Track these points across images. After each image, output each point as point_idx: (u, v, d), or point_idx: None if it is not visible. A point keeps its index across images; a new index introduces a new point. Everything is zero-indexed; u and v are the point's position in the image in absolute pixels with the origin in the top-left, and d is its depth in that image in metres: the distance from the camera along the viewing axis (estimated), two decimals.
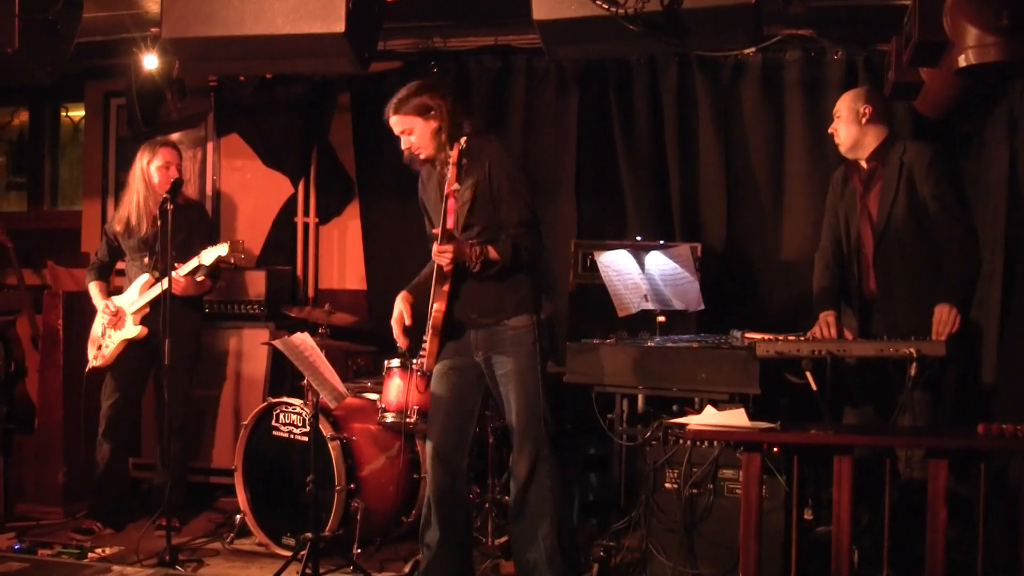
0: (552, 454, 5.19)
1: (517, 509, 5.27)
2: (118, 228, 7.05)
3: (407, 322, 5.36)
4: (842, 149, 5.90)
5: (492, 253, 5.10)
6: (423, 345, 5.34)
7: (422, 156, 5.25)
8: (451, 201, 5.10)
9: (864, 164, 5.85)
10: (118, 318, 6.92)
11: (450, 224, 5.07)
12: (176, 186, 6.45)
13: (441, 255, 5.06)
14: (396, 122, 5.26)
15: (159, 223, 6.84)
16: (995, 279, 5.83)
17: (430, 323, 5.21)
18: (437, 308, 5.19)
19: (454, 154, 5.00)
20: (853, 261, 5.88)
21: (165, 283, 6.38)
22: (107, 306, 6.95)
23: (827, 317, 5.73)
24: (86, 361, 7.07)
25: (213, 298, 7.93)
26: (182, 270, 6.62)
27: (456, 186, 5.01)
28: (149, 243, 6.94)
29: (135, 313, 6.89)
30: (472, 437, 5.44)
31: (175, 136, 8.74)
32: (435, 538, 5.31)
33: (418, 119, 5.20)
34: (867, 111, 5.77)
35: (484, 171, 5.12)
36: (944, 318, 5.32)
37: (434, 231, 5.16)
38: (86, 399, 7.17)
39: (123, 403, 6.98)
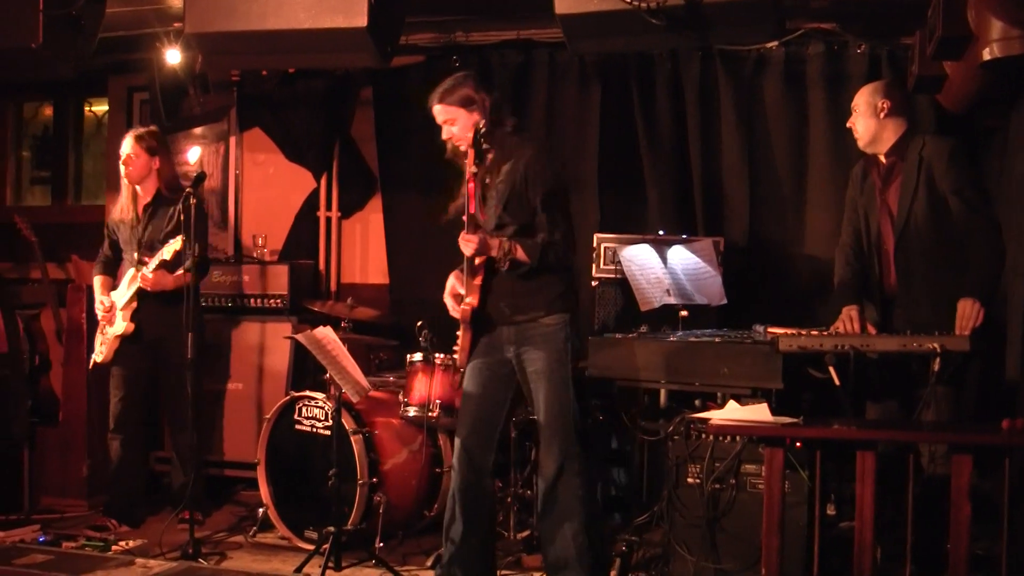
0: (580, 451, 5.19)
1: (546, 507, 5.25)
2: (111, 219, 7.10)
3: (460, 291, 5.35)
4: (860, 144, 5.82)
5: (520, 253, 5.09)
6: (456, 340, 5.35)
7: (462, 147, 5.23)
8: (471, 185, 5.10)
9: (883, 159, 5.79)
10: (111, 314, 6.92)
11: (471, 208, 5.09)
12: (198, 180, 6.46)
13: (465, 243, 5.10)
14: (439, 111, 5.25)
15: (136, 215, 6.88)
16: (1020, 274, 5.79)
17: (461, 317, 5.23)
18: (469, 302, 5.21)
19: (470, 136, 5.02)
20: (873, 256, 5.84)
21: (140, 281, 6.45)
22: (101, 302, 6.96)
23: (850, 311, 5.69)
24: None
25: (236, 291, 7.96)
26: (150, 266, 6.62)
27: (473, 169, 5.02)
28: (136, 236, 6.93)
29: (124, 309, 6.87)
30: (500, 434, 5.43)
31: (198, 131, 8.79)
32: (459, 532, 5.30)
33: (461, 110, 5.19)
34: (885, 105, 5.70)
35: (520, 171, 5.11)
36: (967, 312, 5.28)
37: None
38: (105, 392, 7.20)
39: (129, 399, 6.99)
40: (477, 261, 5.18)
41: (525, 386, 5.28)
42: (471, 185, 5.09)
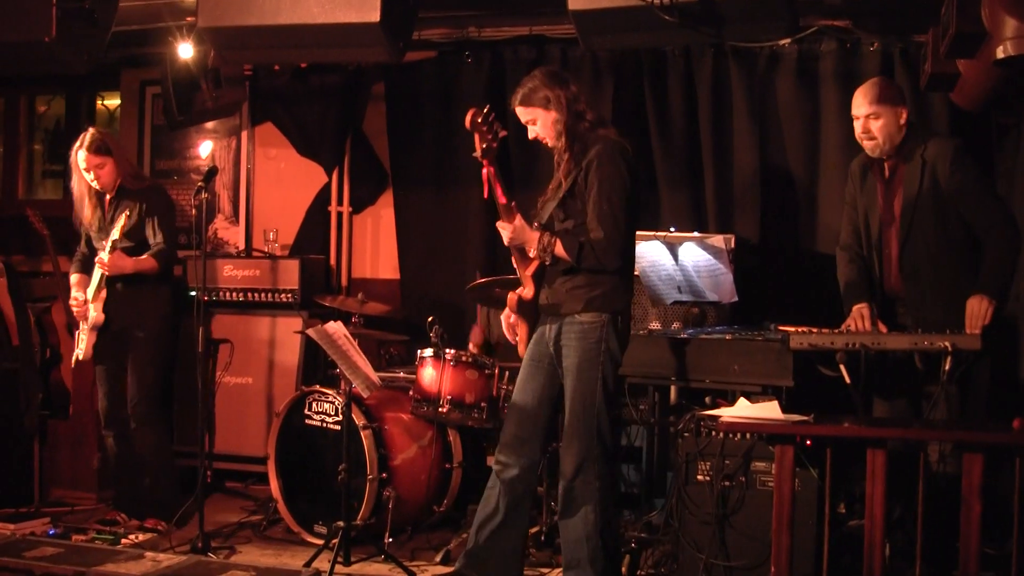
0: (602, 455, 5.15)
1: (564, 505, 5.23)
2: (76, 219, 7.07)
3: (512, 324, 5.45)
4: (875, 151, 5.67)
5: (559, 248, 5.07)
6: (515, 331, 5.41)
7: (549, 144, 5.27)
8: (484, 171, 5.08)
9: (886, 162, 5.75)
10: (84, 308, 6.87)
11: (499, 197, 5.11)
12: (210, 174, 6.45)
13: (502, 228, 5.16)
14: (520, 113, 5.28)
15: (103, 209, 6.86)
16: None
17: (509, 305, 5.31)
18: (523, 292, 5.27)
19: (467, 120, 5.02)
20: (874, 257, 5.81)
21: (97, 263, 6.52)
22: (75, 298, 6.91)
23: (861, 309, 5.65)
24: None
25: (247, 286, 7.97)
26: (106, 249, 6.59)
27: (480, 151, 5.04)
28: (104, 229, 6.88)
29: (94, 300, 6.81)
30: (546, 429, 5.41)
31: (210, 125, 8.79)
32: (497, 523, 5.28)
33: (539, 110, 5.20)
34: (904, 114, 5.64)
35: (584, 167, 5.09)
36: (977, 311, 5.26)
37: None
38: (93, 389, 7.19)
39: (113, 393, 6.91)
40: (531, 253, 5.19)
41: (561, 379, 5.26)
42: (485, 169, 5.09)
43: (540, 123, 5.21)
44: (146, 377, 6.62)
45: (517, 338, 5.41)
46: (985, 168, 6.43)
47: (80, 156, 6.76)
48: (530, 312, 5.29)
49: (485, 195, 5.13)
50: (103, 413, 6.94)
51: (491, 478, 5.35)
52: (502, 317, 5.51)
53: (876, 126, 5.58)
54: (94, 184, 6.81)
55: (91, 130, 6.85)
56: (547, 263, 5.12)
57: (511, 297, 5.25)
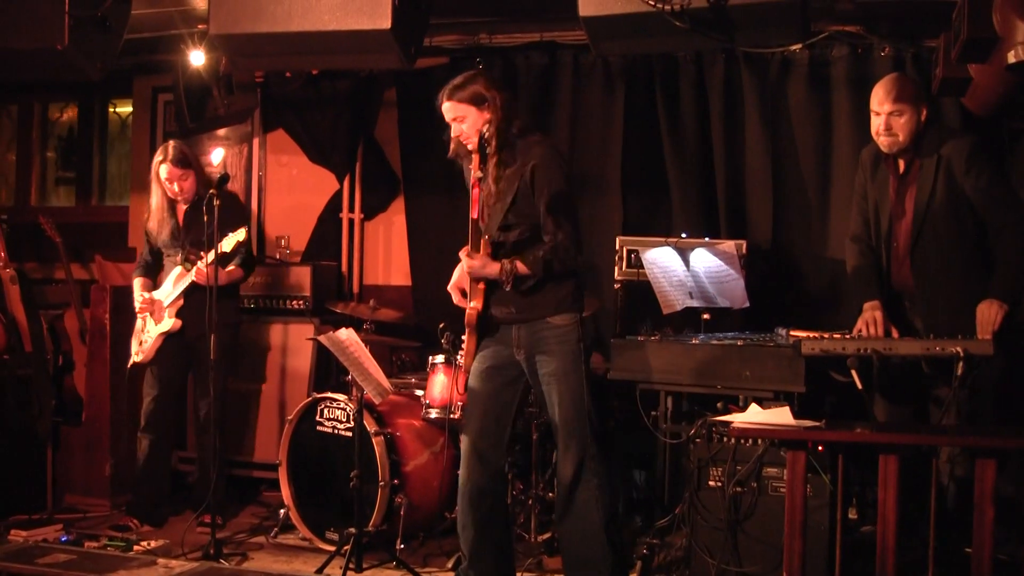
0: (598, 452, 5.16)
1: (564, 509, 5.23)
2: (149, 227, 7.12)
3: (465, 287, 5.33)
4: (892, 148, 5.65)
5: (521, 268, 5.03)
6: (462, 343, 5.35)
7: (470, 146, 5.18)
8: (475, 191, 5.06)
9: (902, 157, 5.73)
10: (153, 308, 6.96)
11: (474, 214, 5.02)
12: (222, 181, 6.48)
13: (468, 262, 5.08)
14: (449, 108, 5.21)
15: (176, 219, 6.93)
16: None
17: (466, 321, 5.22)
18: (473, 306, 5.19)
19: (474, 142, 5.01)
20: (882, 250, 5.80)
21: (195, 274, 6.52)
22: (141, 295, 7.00)
23: (873, 312, 5.62)
24: (129, 356, 7.12)
25: (259, 293, 7.98)
26: (207, 258, 6.65)
27: (479, 174, 4.98)
28: (178, 238, 6.98)
29: (170, 306, 6.92)
30: (510, 436, 5.42)
31: (221, 132, 8.81)
32: (471, 539, 5.27)
33: (472, 108, 5.14)
34: (925, 111, 5.62)
35: (528, 173, 5.06)
36: (988, 316, 5.24)
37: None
38: (132, 392, 7.24)
39: (163, 398, 7.02)
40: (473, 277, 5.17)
41: (537, 388, 5.24)
42: (475, 190, 5.02)
43: (469, 122, 5.15)
44: (217, 384, 6.66)
45: (463, 351, 5.37)
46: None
47: (163, 169, 6.91)
48: (481, 326, 5.26)
49: (475, 215, 5.01)
50: (146, 415, 7.00)
51: (459, 495, 5.34)
52: (450, 289, 5.41)
53: (899, 123, 5.56)
54: (176, 195, 6.91)
55: (172, 142, 7.01)
56: (507, 287, 5.07)
57: (471, 315, 5.18)
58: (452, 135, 5.27)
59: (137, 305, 7.01)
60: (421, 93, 8.23)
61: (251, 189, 8.96)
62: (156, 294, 7.02)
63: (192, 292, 6.85)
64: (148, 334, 6.98)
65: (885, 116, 5.59)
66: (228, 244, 6.49)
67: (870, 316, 5.61)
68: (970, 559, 4.50)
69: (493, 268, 5.05)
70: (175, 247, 6.98)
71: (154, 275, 7.16)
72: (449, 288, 5.41)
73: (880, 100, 5.63)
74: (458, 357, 6.25)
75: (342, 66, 7.80)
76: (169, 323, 6.91)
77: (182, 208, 7.03)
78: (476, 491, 5.26)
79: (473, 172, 5.01)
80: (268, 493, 7.71)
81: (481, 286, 5.18)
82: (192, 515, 6.74)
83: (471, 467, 5.27)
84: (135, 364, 7.09)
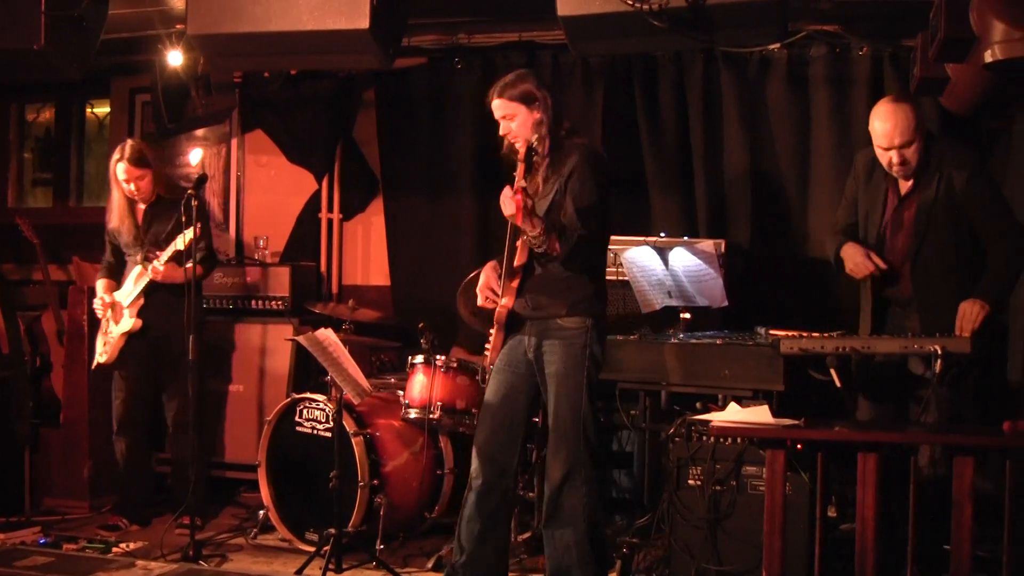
0: (590, 460, 5.13)
1: (550, 512, 5.22)
2: (111, 227, 7.10)
3: (494, 287, 5.30)
4: (909, 175, 5.61)
5: (555, 244, 4.95)
6: (488, 340, 5.35)
7: (517, 143, 5.17)
8: (518, 197, 4.98)
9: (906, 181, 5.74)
10: (115, 311, 6.93)
11: (519, 220, 4.82)
12: (200, 181, 6.46)
13: (507, 201, 4.85)
14: (499, 106, 5.18)
15: (136, 218, 6.90)
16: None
17: (496, 317, 5.22)
18: (504, 303, 5.20)
19: (522, 151, 4.96)
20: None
21: (151, 273, 6.56)
22: (101, 299, 6.99)
23: (856, 251, 5.62)
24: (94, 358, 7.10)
25: (237, 293, 7.96)
26: (163, 257, 6.63)
27: (523, 183, 4.86)
28: (139, 237, 6.96)
29: (130, 306, 6.90)
30: (523, 436, 5.40)
31: (200, 132, 8.79)
32: (474, 533, 5.26)
33: (522, 107, 5.13)
34: (924, 128, 5.60)
35: (565, 177, 5.06)
36: (968, 314, 5.25)
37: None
38: (106, 394, 7.21)
39: (132, 399, 7.00)
40: (517, 262, 5.16)
41: (542, 385, 5.24)
42: (518, 197, 4.81)
43: (519, 120, 5.15)
44: (185, 383, 6.64)
45: (488, 347, 5.37)
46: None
47: (120, 168, 6.88)
48: (510, 323, 5.26)
49: (519, 221, 4.82)
50: (118, 419, 6.99)
51: (467, 488, 5.34)
52: (480, 290, 5.36)
53: (910, 152, 5.52)
54: (133, 195, 6.87)
55: (130, 141, 6.98)
56: (538, 250, 5.00)
57: (501, 312, 5.19)
58: (501, 133, 5.24)
59: (97, 309, 6.99)
60: (400, 93, 8.25)
61: (230, 189, 8.94)
62: (117, 294, 6.98)
63: (152, 291, 6.82)
64: (111, 335, 6.96)
65: (897, 152, 5.52)
66: (181, 243, 6.46)
67: (861, 254, 5.59)
68: (949, 556, 4.52)
69: (532, 221, 4.86)
70: (136, 246, 6.96)
71: (118, 275, 7.14)
72: (478, 289, 5.39)
73: (888, 137, 5.51)
74: (439, 357, 6.27)
75: (321, 66, 7.79)
76: (130, 323, 6.88)
77: (141, 208, 7.00)
78: (484, 488, 5.26)
79: (517, 180, 4.91)
80: (247, 494, 7.69)
81: (514, 284, 5.18)
82: (171, 516, 6.72)
83: (480, 465, 5.28)
84: (99, 365, 7.06)
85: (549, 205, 5.09)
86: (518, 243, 5.17)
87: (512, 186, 4.83)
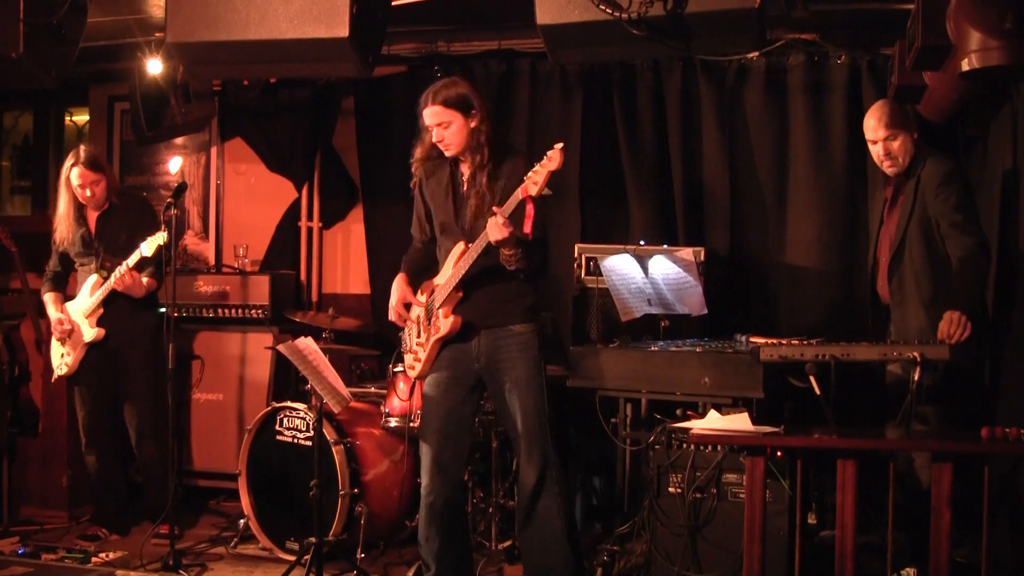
0: (558, 459, 5.18)
1: (526, 517, 5.23)
2: (58, 235, 7.03)
3: (412, 300, 5.36)
4: (895, 170, 5.78)
5: (524, 260, 4.97)
6: (406, 350, 5.36)
7: (449, 152, 5.17)
8: (531, 207, 4.94)
9: (893, 180, 5.86)
10: (71, 333, 6.89)
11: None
12: (180, 190, 6.43)
13: (500, 228, 4.83)
14: (435, 112, 5.13)
15: (88, 226, 6.86)
16: (992, 286, 5.83)
17: (441, 331, 5.20)
18: (452, 315, 5.19)
19: (555, 161, 4.74)
20: (871, 264, 5.93)
21: (114, 281, 6.57)
22: (59, 320, 6.91)
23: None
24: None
25: (217, 302, 7.94)
26: (129, 260, 6.57)
27: (547, 191, 4.81)
28: (91, 245, 6.91)
29: (89, 316, 6.84)
30: (470, 446, 5.42)
31: (179, 141, 8.78)
32: (435, 550, 5.25)
33: (458, 114, 5.10)
34: (915, 133, 5.74)
35: (513, 183, 4.98)
36: (955, 323, 5.27)
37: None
38: (70, 406, 7.17)
39: (96, 411, 6.94)
40: (464, 275, 5.13)
41: (497, 396, 5.24)
42: (531, 207, 4.81)
43: (455, 128, 5.11)
44: (148, 391, 6.61)
45: (417, 360, 5.36)
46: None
47: (75, 172, 6.78)
48: (459, 335, 5.26)
49: (528, 229, 4.83)
50: (85, 432, 6.94)
51: (421, 507, 5.31)
52: (396, 312, 5.44)
53: (894, 147, 5.71)
54: (87, 200, 6.82)
55: (83, 146, 6.88)
56: (511, 267, 4.98)
57: (456, 321, 5.18)
58: (434, 140, 5.20)
59: (56, 331, 6.92)
60: (379, 101, 8.24)
61: (209, 198, 8.93)
62: (73, 305, 6.92)
63: (112, 300, 6.78)
64: (67, 345, 6.89)
65: (881, 143, 5.73)
66: (149, 248, 6.43)
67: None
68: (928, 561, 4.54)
69: (513, 241, 4.90)
70: (88, 255, 6.90)
71: (64, 286, 7.08)
72: (395, 305, 5.42)
73: (873, 128, 5.76)
74: (410, 365, 6.24)
75: (300, 74, 7.78)
76: (92, 332, 6.83)
77: (93, 214, 6.94)
78: (440, 502, 5.24)
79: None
80: (227, 503, 7.68)
81: (459, 294, 5.18)
82: (150, 526, 6.69)
83: (433, 479, 5.25)
84: (59, 378, 7.02)
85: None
86: (459, 256, 5.16)
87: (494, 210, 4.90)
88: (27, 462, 7.53)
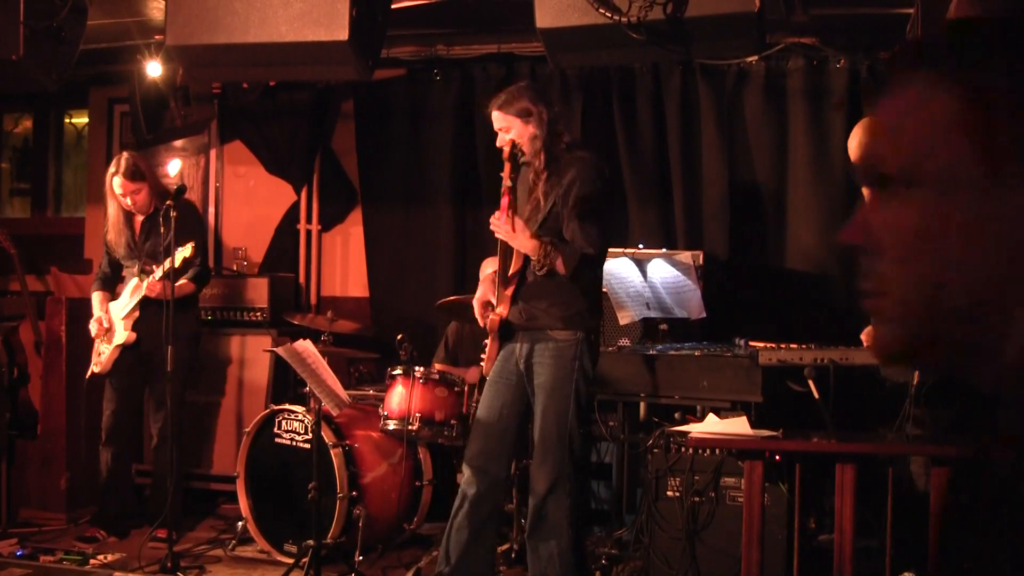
0: (574, 472, 5.16)
1: (534, 523, 5.23)
2: (108, 239, 7.08)
3: (491, 299, 5.37)
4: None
5: (559, 263, 5.02)
6: (484, 349, 5.39)
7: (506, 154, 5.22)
8: (505, 199, 5.06)
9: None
10: (105, 329, 6.92)
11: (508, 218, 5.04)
12: (179, 193, 6.44)
13: (496, 227, 5.04)
14: (496, 118, 5.22)
15: (133, 230, 6.89)
16: None
17: (489, 326, 5.25)
18: (499, 312, 5.23)
19: (506, 150, 5.00)
20: None
21: (145, 288, 6.51)
22: (99, 319, 6.96)
23: None
24: (87, 367, 7.08)
25: (216, 304, 7.94)
26: (156, 273, 6.61)
27: (508, 183, 5.01)
28: (135, 250, 6.95)
29: (125, 318, 6.88)
30: (514, 448, 5.43)
31: (178, 143, 8.78)
32: (463, 542, 5.26)
33: (517, 120, 5.16)
34: None
35: (564, 188, 5.08)
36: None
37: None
38: (88, 405, 7.19)
39: (121, 411, 6.98)
40: (512, 270, 5.18)
41: (531, 396, 5.26)
42: (505, 199, 5.06)
43: (514, 133, 5.18)
44: (174, 396, 6.62)
45: (484, 356, 5.40)
46: None
47: (116, 182, 6.83)
48: (504, 332, 5.28)
49: (504, 219, 5.03)
50: (106, 429, 6.97)
51: (458, 497, 5.35)
52: (476, 302, 5.48)
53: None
54: (130, 208, 6.87)
55: (125, 155, 6.92)
56: (540, 273, 5.06)
57: (494, 320, 5.22)
58: (498, 144, 5.27)
59: (93, 328, 6.96)
60: (379, 104, 8.25)
61: (208, 200, 8.93)
62: (114, 305, 6.98)
63: (147, 304, 6.80)
64: (106, 345, 6.95)
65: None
66: (176, 259, 6.45)
67: None
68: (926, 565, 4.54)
69: (531, 242, 5.04)
70: (132, 258, 6.95)
71: (112, 287, 7.13)
72: (474, 302, 5.47)
73: (851, 151, 5.73)
74: (418, 369, 6.25)
75: (299, 78, 7.78)
76: (124, 335, 6.87)
77: (138, 219, 6.99)
78: (478, 497, 5.26)
79: (504, 180, 5.05)
80: (226, 506, 7.67)
81: (508, 292, 5.21)
82: (149, 528, 6.69)
83: (475, 475, 5.28)
84: (93, 375, 7.05)
85: (545, 216, 5.12)
86: (513, 251, 5.20)
87: (498, 207, 4.98)
88: (26, 464, 7.53)
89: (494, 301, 5.33)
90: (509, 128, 5.19)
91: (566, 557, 5.14)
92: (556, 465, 5.12)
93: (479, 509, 5.27)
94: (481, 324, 5.42)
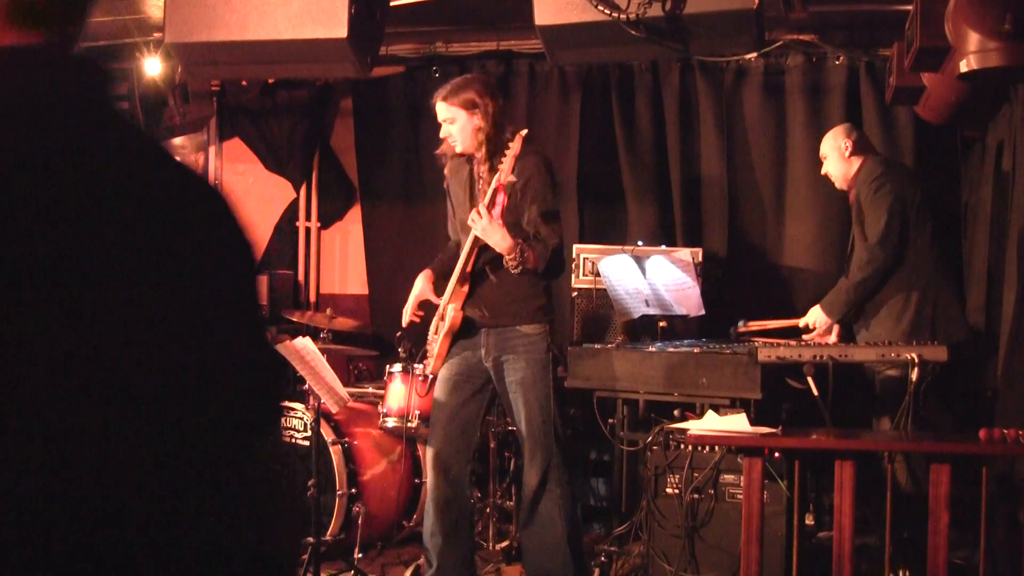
0: (562, 461, 5.17)
1: (528, 517, 5.24)
2: None
3: (430, 298, 5.36)
4: (837, 185, 6.26)
5: (532, 260, 5.02)
6: (427, 346, 5.35)
7: (457, 149, 5.22)
8: (502, 195, 4.99)
9: (850, 193, 6.17)
10: None
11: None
12: None
13: (473, 222, 4.99)
14: (441, 109, 5.19)
15: None
16: (1010, 285, 5.81)
17: (446, 325, 5.20)
18: (455, 309, 5.18)
19: (516, 146, 4.93)
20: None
21: None
22: None
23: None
24: None
25: None
26: None
27: (512, 178, 4.95)
28: None
29: None
30: (475, 444, 5.42)
31: (177, 141, 8.76)
32: (438, 546, 5.25)
33: (462, 112, 5.13)
34: (848, 145, 6.11)
35: (522, 183, 5.07)
36: (818, 324, 5.91)
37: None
38: None
39: None
40: (468, 268, 5.16)
41: (504, 395, 5.25)
42: (502, 195, 4.99)
43: (459, 126, 5.15)
44: None
45: (432, 356, 5.37)
46: (950, 180, 6.57)
47: None
48: (462, 330, 5.27)
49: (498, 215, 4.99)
50: None
51: (427, 502, 5.34)
52: (410, 307, 5.43)
53: (827, 165, 6.28)
54: None
55: None
56: (516, 271, 5.02)
57: (457, 316, 5.18)
58: (441, 135, 5.27)
59: None
60: (377, 102, 8.25)
61: None
62: None
63: None
64: None
65: (823, 165, 6.30)
66: None
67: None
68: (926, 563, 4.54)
69: (506, 241, 4.97)
70: None
71: None
72: (409, 300, 5.42)
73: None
74: (417, 366, 6.24)
75: (298, 75, 7.77)
76: None
77: None
78: (443, 499, 5.25)
79: (505, 175, 4.98)
80: None
81: (465, 288, 5.19)
82: None
83: (437, 476, 5.27)
84: None
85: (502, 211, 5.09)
86: (466, 249, 5.16)
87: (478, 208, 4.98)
88: None
89: (434, 299, 5.33)
90: (454, 120, 5.17)
91: (562, 548, 5.15)
92: (545, 457, 5.14)
93: (448, 511, 5.26)
94: (407, 322, 5.43)
